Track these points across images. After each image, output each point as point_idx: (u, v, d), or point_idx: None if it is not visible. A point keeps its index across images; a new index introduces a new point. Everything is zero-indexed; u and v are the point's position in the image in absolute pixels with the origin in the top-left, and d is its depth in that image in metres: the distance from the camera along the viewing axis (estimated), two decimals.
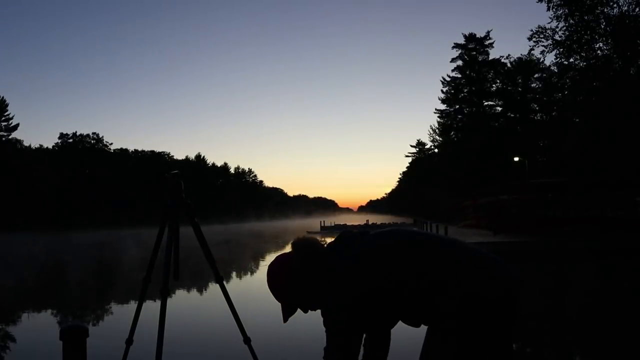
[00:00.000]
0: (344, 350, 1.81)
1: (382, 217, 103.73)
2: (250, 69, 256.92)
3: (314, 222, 75.44)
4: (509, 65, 47.12)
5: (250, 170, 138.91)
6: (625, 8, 27.25)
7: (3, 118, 71.60)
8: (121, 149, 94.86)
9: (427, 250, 1.83)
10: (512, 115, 47.75)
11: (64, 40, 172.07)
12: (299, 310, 2.05)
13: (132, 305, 9.46)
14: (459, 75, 50.03)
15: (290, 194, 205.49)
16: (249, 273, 18.78)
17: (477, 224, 31.67)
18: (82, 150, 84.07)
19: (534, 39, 29.58)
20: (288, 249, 2.02)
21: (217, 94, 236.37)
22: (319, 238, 2.07)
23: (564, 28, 28.29)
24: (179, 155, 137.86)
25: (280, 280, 1.95)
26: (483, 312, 1.74)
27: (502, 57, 47.97)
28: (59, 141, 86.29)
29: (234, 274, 16.90)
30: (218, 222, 76.15)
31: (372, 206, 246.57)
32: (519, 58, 43.41)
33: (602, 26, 27.94)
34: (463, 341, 1.75)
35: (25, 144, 76.79)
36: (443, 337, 1.80)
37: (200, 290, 13.19)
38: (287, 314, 1.99)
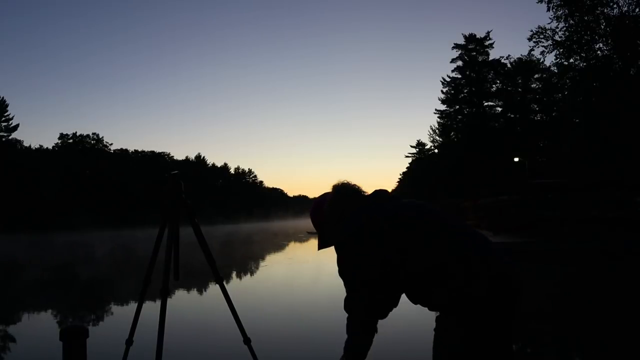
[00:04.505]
0: (362, 301, 1.94)
1: None
2: (249, 69, 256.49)
3: (306, 223, 75.04)
4: (509, 65, 47.16)
5: (250, 171, 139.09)
6: (625, 8, 27.30)
7: (3, 118, 71.64)
8: (121, 149, 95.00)
9: (435, 233, 1.91)
10: (512, 115, 47.76)
11: (64, 40, 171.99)
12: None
13: (132, 305, 9.45)
14: (459, 76, 50.04)
15: (291, 194, 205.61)
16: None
17: (477, 224, 31.61)
18: (82, 150, 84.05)
19: (534, 40, 29.65)
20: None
21: (217, 94, 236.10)
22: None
23: (564, 28, 28.35)
24: (179, 155, 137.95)
25: (314, 213, 2.21)
26: (478, 306, 1.74)
27: (502, 57, 48.02)
28: (59, 141, 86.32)
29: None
30: (208, 223, 75.83)
31: None
32: (519, 58, 43.46)
33: (602, 26, 27.96)
34: (464, 338, 1.76)
35: (25, 144, 76.89)
36: (444, 333, 1.81)
37: (200, 291, 13.19)
38: (320, 244, 2.23)
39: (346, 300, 1.99)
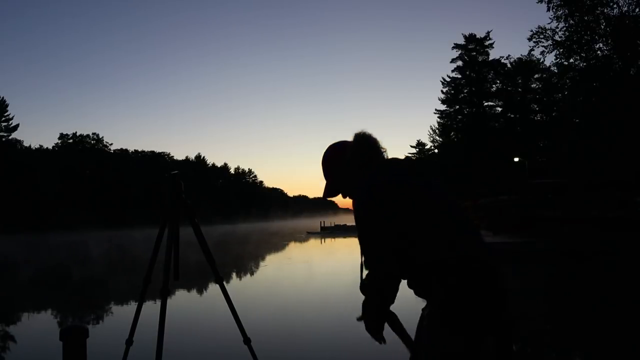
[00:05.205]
0: (380, 258, 1.83)
1: None
2: (249, 69, 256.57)
3: (306, 223, 75.49)
4: (509, 65, 47.15)
5: (250, 171, 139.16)
6: (625, 8, 27.33)
7: (3, 118, 71.65)
8: (121, 149, 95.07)
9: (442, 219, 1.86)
10: (512, 115, 47.75)
11: (64, 40, 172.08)
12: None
13: (132, 305, 9.46)
14: (459, 76, 50.02)
15: (290, 194, 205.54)
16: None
17: (477, 224, 31.53)
18: (82, 150, 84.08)
19: (534, 40, 29.70)
20: None
21: (217, 94, 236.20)
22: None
23: (564, 28, 28.40)
24: (179, 155, 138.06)
25: (331, 157, 2.14)
26: (478, 306, 1.74)
27: (502, 57, 48.00)
28: (59, 141, 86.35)
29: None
30: (207, 223, 75.69)
31: None
32: (519, 58, 43.46)
33: (602, 26, 27.98)
34: (461, 338, 1.75)
35: (25, 144, 76.92)
36: (438, 331, 1.79)
37: (200, 291, 13.19)
38: (326, 192, 2.17)
39: (367, 257, 1.89)
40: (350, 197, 2.09)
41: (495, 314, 1.78)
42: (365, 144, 2.05)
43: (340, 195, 2.16)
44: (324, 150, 2.18)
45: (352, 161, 2.05)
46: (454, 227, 1.87)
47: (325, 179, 2.17)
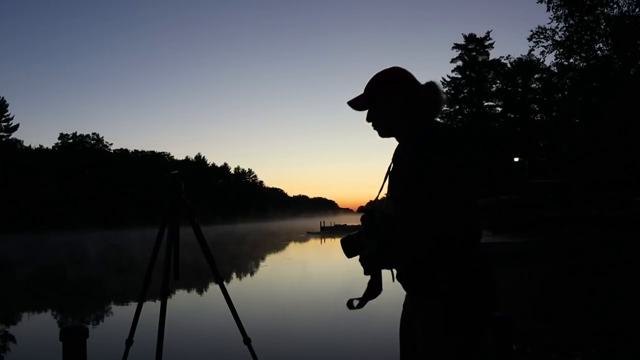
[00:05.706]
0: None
1: None
2: (249, 69, 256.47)
3: (306, 223, 75.46)
4: (509, 65, 47.12)
5: (250, 171, 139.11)
6: (625, 8, 27.33)
7: (3, 118, 71.61)
8: (121, 149, 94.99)
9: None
10: (512, 115, 47.74)
11: (64, 40, 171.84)
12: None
13: (132, 305, 9.45)
14: (459, 76, 49.98)
15: (291, 194, 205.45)
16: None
17: None
18: (82, 150, 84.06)
19: (534, 40, 29.73)
20: None
21: (217, 94, 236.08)
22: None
23: (564, 28, 28.42)
24: (179, 155, 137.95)
25: (399, 81, 1.86)
26: (480, 302, 1.74)
27: (502, 57, 47.98)
28: (59, 141, 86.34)
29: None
30: (207, 223, 75.51)
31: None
32: (519, 58, 43.45)
33: (602, 26, 28.00)
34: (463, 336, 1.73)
35: (25, 144, 76.90)
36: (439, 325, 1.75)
37: (200, 291, 13.19)
38: (356, 101, 1.89)
39: (420, 215, 1.69)
40: (380, 130, 1.90)
41: (492, 312, 1.79)
42: (441, 95, 1.86)
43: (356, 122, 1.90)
44: (394, 67, 1.90)
45: (424, 101, 1.82)
46: (469, 222, 1.84)
47: (368, 92, 1.88)
